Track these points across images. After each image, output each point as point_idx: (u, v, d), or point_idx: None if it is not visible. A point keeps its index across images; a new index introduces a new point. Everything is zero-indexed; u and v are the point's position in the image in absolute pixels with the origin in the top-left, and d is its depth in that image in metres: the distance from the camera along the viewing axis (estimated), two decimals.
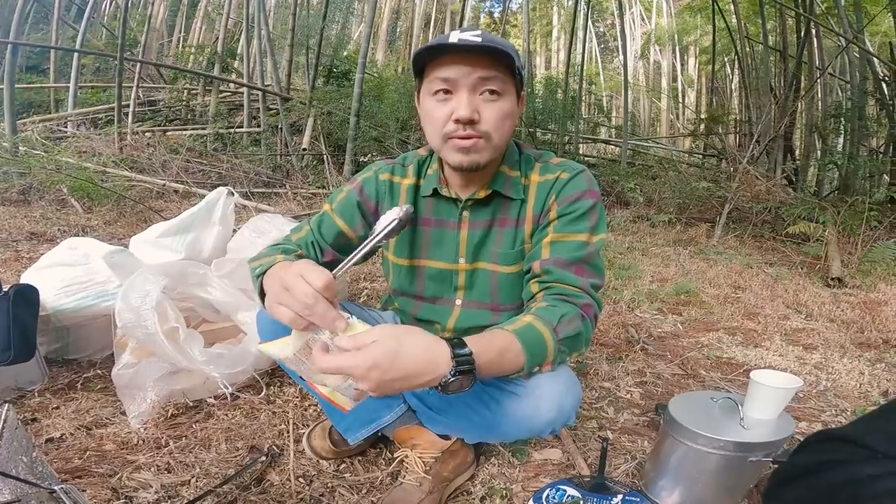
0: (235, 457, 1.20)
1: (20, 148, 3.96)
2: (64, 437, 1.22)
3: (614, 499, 1.05)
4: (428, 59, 0.89)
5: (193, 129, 5.38)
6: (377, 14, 9.97)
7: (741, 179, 4.59)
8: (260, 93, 5.61)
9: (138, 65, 5.88)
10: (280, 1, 9.94)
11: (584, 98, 10.27)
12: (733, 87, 10.30)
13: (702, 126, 8.54)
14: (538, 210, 0.99)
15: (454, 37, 0.86)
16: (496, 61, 0.86)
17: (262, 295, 0.87)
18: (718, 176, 5.63)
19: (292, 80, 6.35)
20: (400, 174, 1.05)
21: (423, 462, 1.08)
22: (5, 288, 1.19)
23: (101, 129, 4.91)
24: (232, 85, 6.39)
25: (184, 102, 6.22)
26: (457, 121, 0.87)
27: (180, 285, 1.38)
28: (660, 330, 2.18)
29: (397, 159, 1.08)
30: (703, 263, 3.36)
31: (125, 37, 5.15)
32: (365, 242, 0.81)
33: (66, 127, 5.04)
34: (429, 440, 1.11)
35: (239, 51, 6.68)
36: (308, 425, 1.30)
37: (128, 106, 5.01)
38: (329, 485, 1.11)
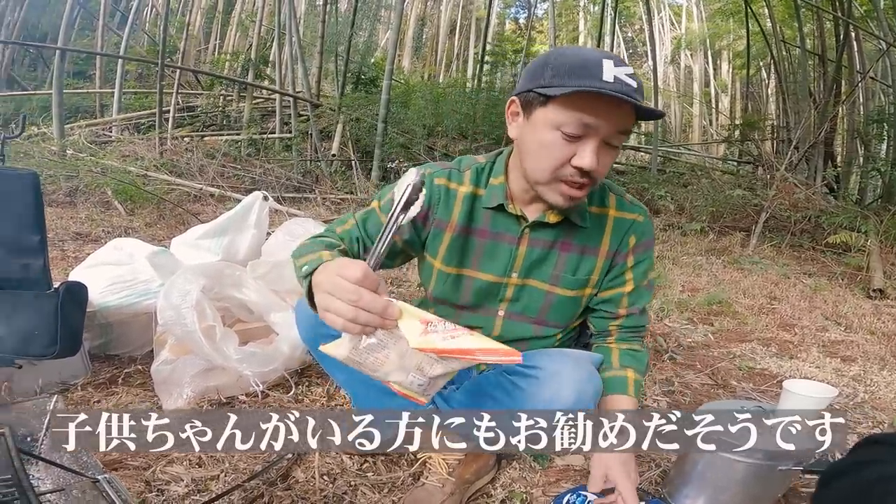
0: (263, 453, 1.22)
1: (68, 151, 4.16)
2: None
3: None
4: (582, 94, 0.79)
5: (229, 134, 5.55)
6: (403, 21, 10.09)
7: (779, 187, 4.45)
8: (291, 99, 5.75)
9: (178, 71, 6.11)
10: (310, 8, 10.16)
11: None
12: (770, 92, 9.99)
13: (737, 132, 8.31)
14: (614, 247, 1.02)
15: (609, 70, 0.79)
16: (632, 113, 0.83)
17: (310, 293, 0.84)
18: (754, 183, 5.47)
19: (322, 86, 6.49)
20: (456, 180, 1.01)
21: (447, 464, 1.08)
22: (55, 285, 1.25)
23: (143, 134, 5.13)
24: (265, 91, 6.57)
25: (220, 108, 6.43)
26: (578, 168, 0.84)
27: (217, 285, 1.44)
28: (689, 340, 2.14)
29: (452, 164, 1.05)
30: (737, 273, 3.28)
31: (165, 44, 5.37)
32: (387, 221, 0.73)
33: (110, 131, 5.28)
34: None
35: (271, 58, 6.87)
36: None
37: (168, 111, 5.21)
38: (352, 483, 1.12)
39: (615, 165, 7.50)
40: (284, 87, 5.98)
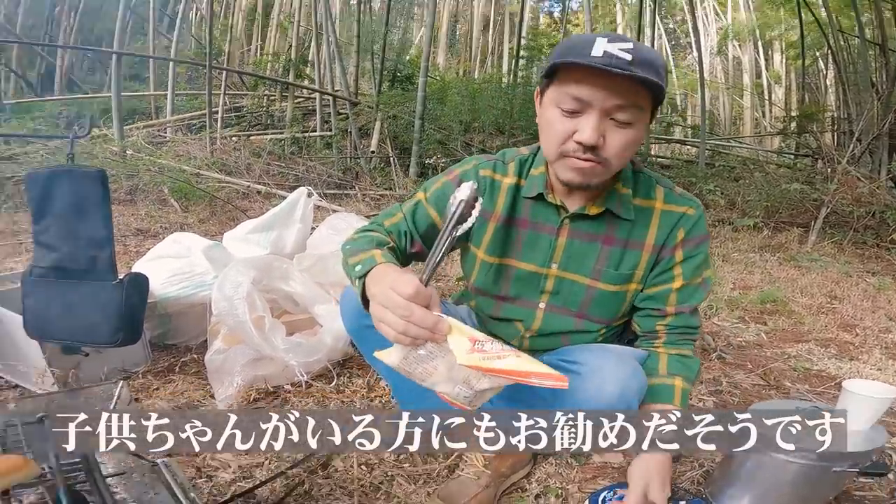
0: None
1: (127, 152, 4.39)
2: None
3: None
4: (563, 66, 0.84)
5: (273, 133, 5.72)
6: (436, 18, 10.06)
7: (840, 181, 4.19)
8: (330, 98, 5.87)
9: (224, 73, 6.34)
10: (345, 8, 10.29)
11: None
12: (828, 83, 9.38)
13: (793, 124, 7.87)
14: (661, 241, 0.99)
15: (600, 46, 0.80)
16: (638, 87, 0.82)
17: (363, 292, 0.86)
18: (813, 177, 5.17)
19: (359, 84, 6.60)
20: (501, 172, 1.03)
21: (483, 457, 1.08)
22: (120, 276, 1.34)
23: (195, 134, 5.37)
24: (305, 91, 6.73)
25: (264, 108, 6.64)
26: (579, 143, 0.84)
27: (266, 278, 1.49)
28: (740, 339, 2.05)
29: (496, 155, 1.06)
30: (794, 271, 3.12)
31: (212, 46, 5.59)
32: (439, 237, 0.77)
33: (165, 132, 5.54)
34: None
35: (310, 57, 7.01)
36: None
37: (217, 112, 5.42)
38: (388, 474, 1.14)
39: (659, 159, 7.27)
40: (324, 86, 6.11)
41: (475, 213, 0.75)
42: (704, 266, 1.01)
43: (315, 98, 6.19)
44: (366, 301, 0.86)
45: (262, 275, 1.47)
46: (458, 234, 0.76)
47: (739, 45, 13.79)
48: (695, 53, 7.81)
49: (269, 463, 1.18)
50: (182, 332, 1.68)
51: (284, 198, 1.93)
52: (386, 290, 0.75)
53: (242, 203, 3.86)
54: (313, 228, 1.96)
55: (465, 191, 0.75)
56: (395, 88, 6.62)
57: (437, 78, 7.73)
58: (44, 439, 0.78)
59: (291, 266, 1.56)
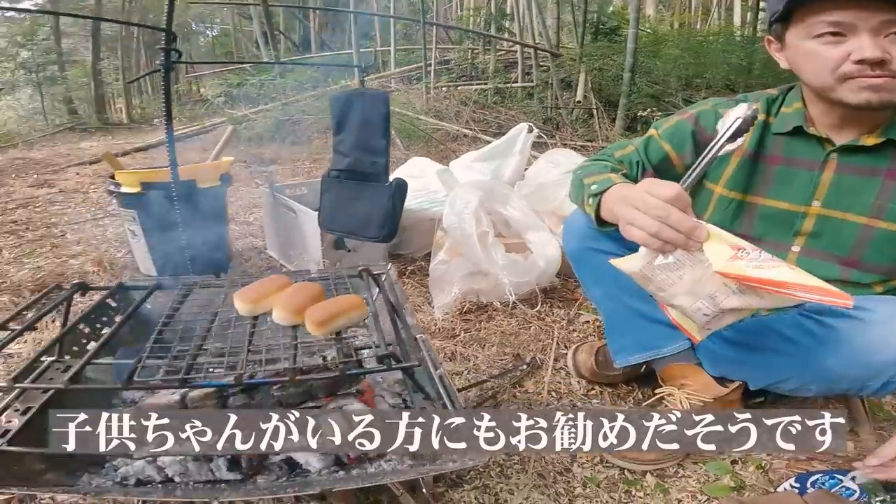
0: (502, 360, 1.38)
1: None
2: None
3: None
4: (802, 4, 0.81)
5: (477, 84, 6.02)
6: None
7: None
8: (532, 50, 5.86)
9: (434, 28, 6.82)
10: None
11: None
12: None
13: None
14: None
15: None
16: (889, 5, 0.76)
17: (597, 211, 0.89)
18: None
19: (560, 37, 6.44)
20: None
21: (690, 404, 1.03)
22: (391, 179, 1.62)
23: (413, 85, 5.99)
24: (506, 44, 6.82)
25: (469, 61, 6.97)
26: (860, 61, 0.78)
27: (488, 200, 1.65)
28: None
29: (737, 97, 1.02)
30: None
31: (423, 3, 6.03)
32: (708, 148, 0.76)
33: (391, 83, 6.30)
34: (702, 382, 1.05)
35: (508, 10, 7.02)
36: (569, 347, 1.39)
37: (430, 65, 5.91)
38: (576, 404, 1.18)
39: None
40: (524, 38, 6.11)
41: (751, 130, 0.76)
42: None
43: (516, 51, 6.25)
44: (599, 221, 0.89)
45: (486, 196, 1.63)
46: (725, 151, 0.75)
47: None
48: None
49: (468, 373, 1.33)
50: (412, 244, 1.97)
51: (489, 142, 2.07)
52: (641, 193, 0.75)
53: (452, 145, 4.27)
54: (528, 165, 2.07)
55: (743, 108, 0.75)
56: (600, 41, 6.30)
57: (649, 31, 7.07)
58: (366, 288, 1.03)
59: (512, 192, 1.69)
